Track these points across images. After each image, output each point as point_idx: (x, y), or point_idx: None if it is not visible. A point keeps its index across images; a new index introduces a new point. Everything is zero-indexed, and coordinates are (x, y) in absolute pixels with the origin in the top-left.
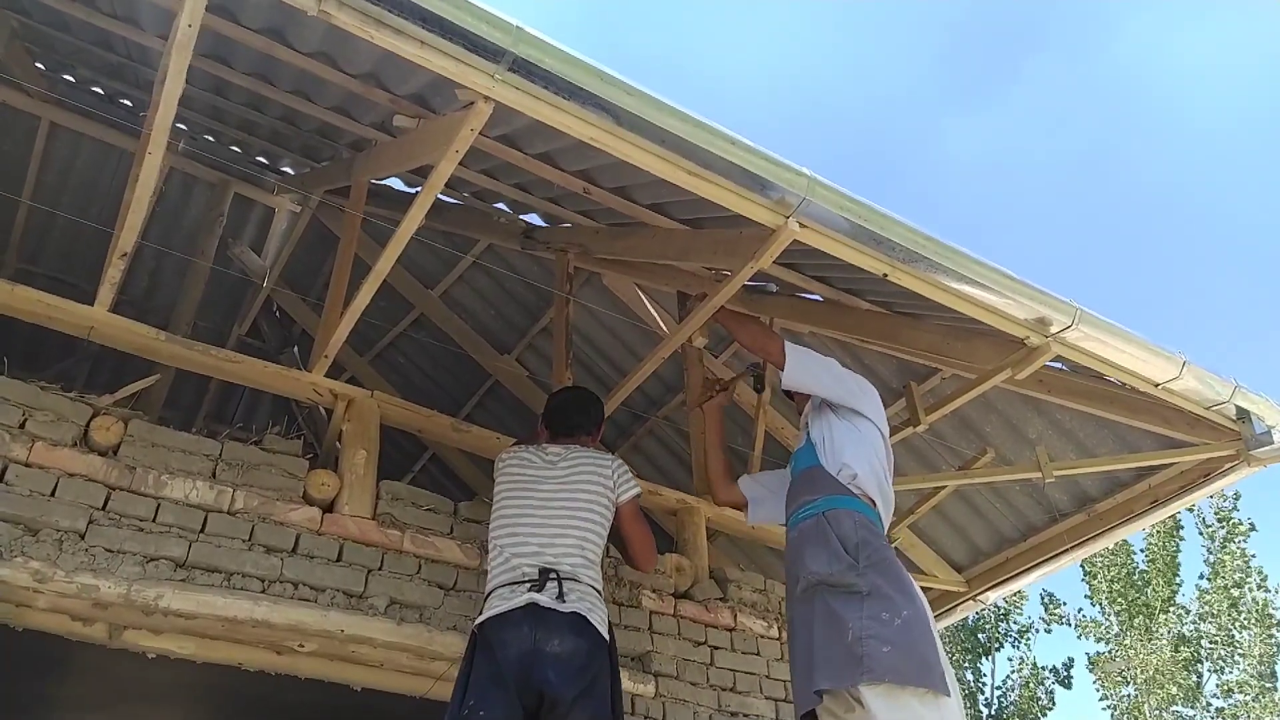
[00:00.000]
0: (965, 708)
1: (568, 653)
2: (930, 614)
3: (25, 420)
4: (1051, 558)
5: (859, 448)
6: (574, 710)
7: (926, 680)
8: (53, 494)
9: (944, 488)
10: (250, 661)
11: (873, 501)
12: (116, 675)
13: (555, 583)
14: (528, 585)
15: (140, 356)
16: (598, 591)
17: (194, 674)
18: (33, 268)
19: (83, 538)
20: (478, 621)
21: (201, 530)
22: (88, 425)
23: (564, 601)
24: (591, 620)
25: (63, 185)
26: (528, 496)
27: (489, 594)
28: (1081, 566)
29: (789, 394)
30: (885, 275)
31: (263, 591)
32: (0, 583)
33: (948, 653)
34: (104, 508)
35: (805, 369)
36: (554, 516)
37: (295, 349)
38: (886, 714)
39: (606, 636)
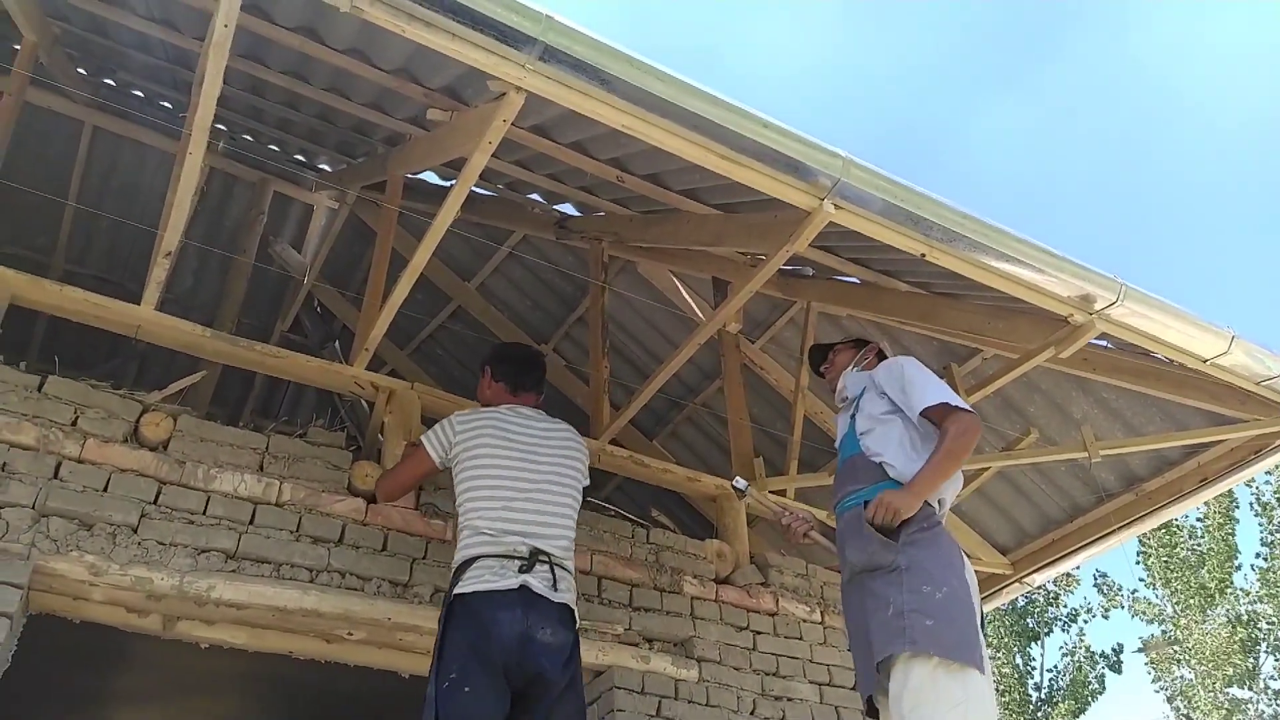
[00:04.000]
0: (1014, 691)
1: (557, 644)
2: (976, 592)
3: (77, 418)
4: (1099, 539)
5: (900, 442)
6: (562, 701)
7: (966, 656)
8: (105, 489)
9: (987, 469)
10: (301, 650)
11: None
12: (171, 665)
13: (547, 567)
14: (518, 564)
15: (187, 353)
16: (574, 575)
17: (246, 663)
18: (79, 269)
19: (135, 531)
20: (459, 591)
21: (250, 522)
22: (138, 421)
23: (556, 590)
24: (576, 613)
25: (106, 187)
26: (520, 466)
27: (469, 562)
28: (1138, 549)
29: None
30: (923, 255)
31: (311, 581)
32: (57, 576)
33: (996, 636)
34: (155, 501)
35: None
36: (548, 493)
37: (337, 343)
38: (920, 685)
39: (578, 624)
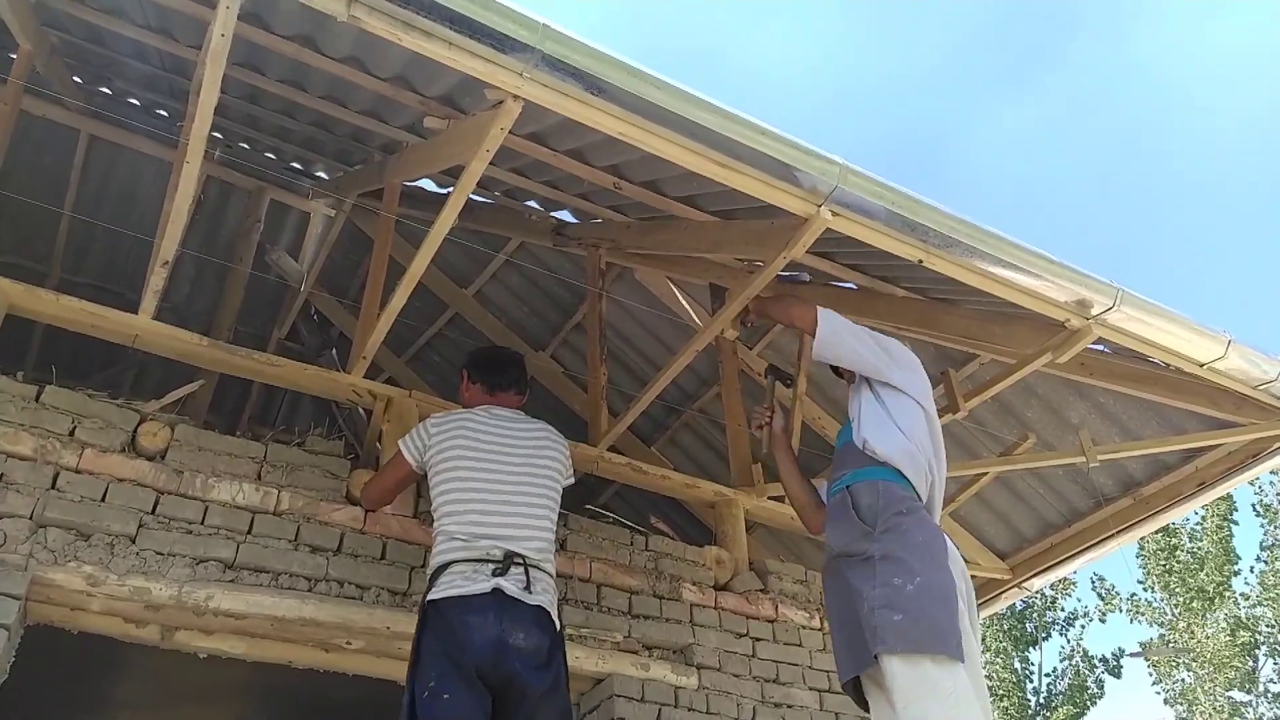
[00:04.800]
0: (1013, 696)
1: (532, 648)
2: (958, 581)
3: (74, 428)
4: (1097, 543)
5: (884, 423)
6: (543, 705)
7: (939, 647)
8: (103, 499)
9: (985, 474)
10: (299, 659)
11: (901, 472)
12: (169, 675)
13: (521, 569)
14: (491, 568)
15: (184, 362)
16: (554, 577)
17: (245, 673)
18: (76, 278)
19: (133, 541)
20: (432, 597)
21: (249, 531)
22: (135, 431)
23: (530, 593)
24: (553, 615)
25: (103, 196)
26: (492, 468)
27: (443, 567)
28: (1137, 552)
29: (838, 373)
30: (920, 261)
31: (309, 590)
32: (55, 587)
33: (994, 640)
34: (153, 511)
35: (837, 340)
36: (521, 494)
37: (334, 351)
38: (902, 680)
39: (559, 626)
